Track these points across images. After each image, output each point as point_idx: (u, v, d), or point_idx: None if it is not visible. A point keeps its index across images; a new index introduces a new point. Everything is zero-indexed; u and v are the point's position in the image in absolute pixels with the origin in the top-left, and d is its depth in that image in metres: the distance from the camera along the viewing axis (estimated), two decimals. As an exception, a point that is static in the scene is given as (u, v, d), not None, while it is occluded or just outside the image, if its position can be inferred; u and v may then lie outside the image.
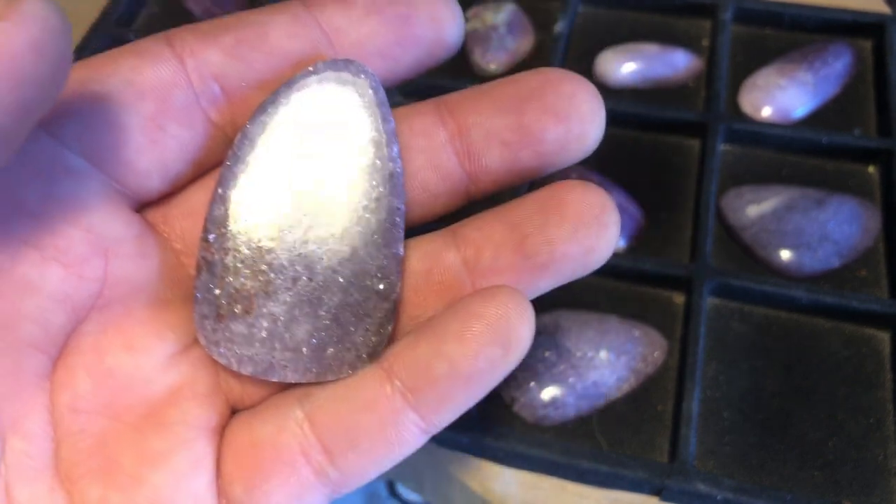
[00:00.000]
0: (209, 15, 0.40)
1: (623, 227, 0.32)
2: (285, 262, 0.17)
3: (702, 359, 0.28)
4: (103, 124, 0.16)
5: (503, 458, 0.26)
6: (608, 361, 0.28)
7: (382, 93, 0.17)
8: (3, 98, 0.13)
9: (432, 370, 0.16)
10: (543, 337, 0.29)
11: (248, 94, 0.17)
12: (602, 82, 0.37)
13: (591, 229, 0.17)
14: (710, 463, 0.27)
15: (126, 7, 0.40)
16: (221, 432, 0.17)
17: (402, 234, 0.17)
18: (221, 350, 0.17)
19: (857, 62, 0.37)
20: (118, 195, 0.17)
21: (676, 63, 0.37)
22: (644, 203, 0.33)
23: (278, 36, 0.17)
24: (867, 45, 0.38)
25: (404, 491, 0.34)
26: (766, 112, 0.35)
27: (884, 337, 0.29)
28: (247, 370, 0.17)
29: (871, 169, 0.34)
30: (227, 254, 0.17)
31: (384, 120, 0.17)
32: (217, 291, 0.17)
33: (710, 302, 0.30)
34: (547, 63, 0.37)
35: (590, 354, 0.28)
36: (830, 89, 0.36)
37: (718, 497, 0.25)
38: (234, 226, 0.17)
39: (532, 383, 0.28)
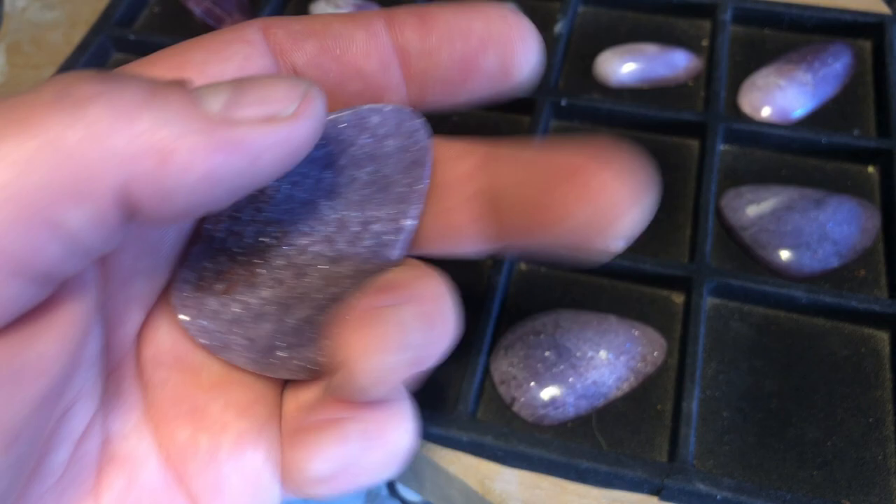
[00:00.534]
0: (210, 15, 0.40)
1: (623, 227, 0.32)
2: (280, 264, 0.17)
3: (701, 358, 0.28)
4: None
5: (503, 457, 0.26)
6: (608, 361, 0.28)
7: (431, 154, 0.18)
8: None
9: None
10: (543, 337, 0.29)
11: None
12: (602, 82, 0.37)
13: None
14: (710, 462, 0.27)
15: (126, 7, 0.40)
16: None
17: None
18: (187, 316, 0.18)
19: (857, 62, 0.37)
20: None
21: (676, 63, 0.37)
22: (644, 203, 0.33)
23: (356, 52, 0.18)
24: (867, 45, 0.38)
25: (405, 490, 0.34)
26: (766, 112, 0.35)
27: (883, 337, 0.29)
28: (203, 341, 0.18)
29: (870, 169, 0.34)
30: (231, 236, 0.18)
31: (417, 179, 0.18)
32: (207, 265, 0.18)
33: (709, 302, 0.30)
34: (547, 63, 0.37)
35: (589, 354, 0.28)
36: (830, 89, 0.36)
37: (718, 496, 0.25)
38: (247, 215, 0.17)
39: (532, 383, 0.28)
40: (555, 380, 0.28)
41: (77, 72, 0.14)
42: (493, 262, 0.30)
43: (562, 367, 0.28)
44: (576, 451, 0.26)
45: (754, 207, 0.32)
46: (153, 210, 0.14)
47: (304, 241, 0.18)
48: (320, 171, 0.18)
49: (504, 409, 0.28)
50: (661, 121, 0.35)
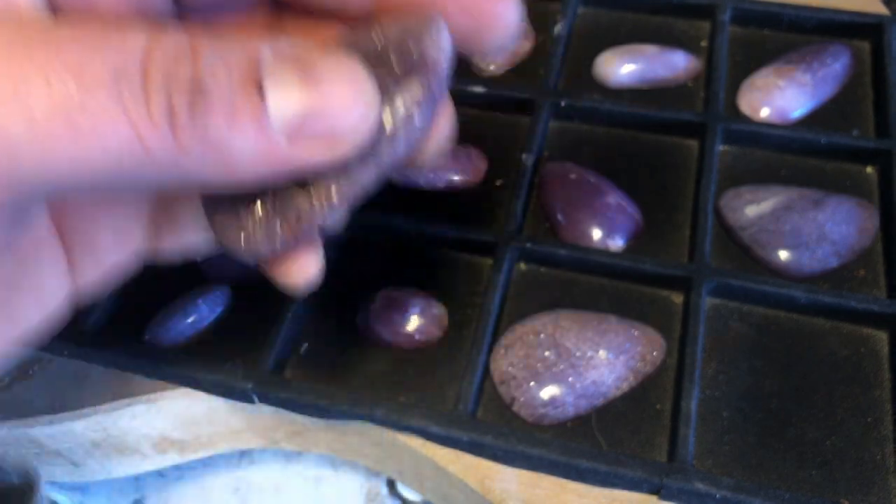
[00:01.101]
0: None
1: (622, 228, 0.32)
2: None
3: (700, 358, 0.28)
4: None
5: (503, 457, 0.27)
6: (607, 361, 0.28)
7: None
8: None
9: None
10: (543, 336, 0.29)
11: None
12: (601, 83, 0.37)
13: None
14: (709, 462, 0.27)
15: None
16: None
17: None
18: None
19: (856, 63, 0.37)
20: None
21: (675, 64, 0.37)
22: (643, 203, 0.33)
23: None
24: (865, 45, 0.38)
25: (405, 490, 0.34)
26: (765, 113, 0.35)
27: (882, 336, 0.29)
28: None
29: (869, 169, 0.34)
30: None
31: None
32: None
33: (708, 302, 0.30)
34: (546, 63, 0.37)
35: (589, 354, 0.28)
36: (829, 90, 0.36)
37: (717, 496, 0.25)
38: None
39: (531, 383, 0.28)
40: (554, 379, 0.28)
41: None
42: (494, 262, 0.31)
43: (561, 366, 0.28)
44: (575, 450, 0.26)
45: (753, 207, 0.32)
46: None
47: None
48: None
49: (504, 409, 0.28)
50: (661, 121, 0.35)
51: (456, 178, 0.34)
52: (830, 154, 0.34)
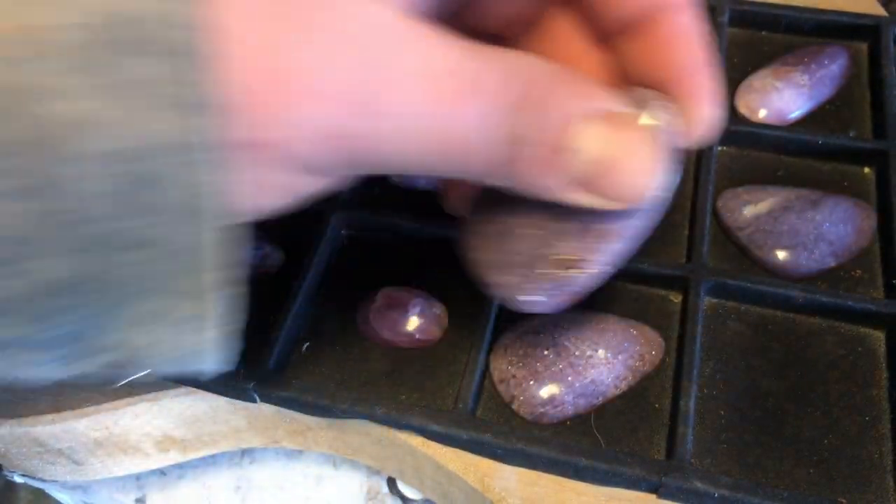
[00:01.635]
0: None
1: (621, 228, 0.32)
2: None
3: (699, 357, 0.28)
4: None
5: (502, 455, 0.27)
6: (606, 360, 0.28)
7: None
8: None
9: None
10: (542, 336, 0.29)
11: None
12: (600, 84, 0.37)
13: None
14: (707, 460, 0.27)
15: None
16: None
17: None
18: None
19: (853, 64, 0.37)
20: None
21: (674, 65, 0.37)
22: (642, 204, 0.33)
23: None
24: (862, 47, 0.38)
25: (405, 488, 0.34)
26: (763, 114, 0.35)
27: (879, 336, 0.29)
28: None
29: (866, 170, 0.34)
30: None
31: None
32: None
33: (706, 301, 0.30)
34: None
35: (588, 353, 0.28)
36: (826, 91, 0.36)
37: (715, 494, 0.25)
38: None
39: (531, 381, 0.28)
40: (554, 378, 0.28)
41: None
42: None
43: (560, 365, 0.28)
44: (574, 449, 0.26)
45: (751, 208, 0.32)
46: None
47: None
48: None
49: (503, 408, 0.28)
50: (659, 122, 0.35)
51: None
52: (828, 155, 0.34)
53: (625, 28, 0.22)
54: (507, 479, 0.27)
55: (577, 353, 0.28)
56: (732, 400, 0.28)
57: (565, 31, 0.23)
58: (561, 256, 0.20)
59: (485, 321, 0.29)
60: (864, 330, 0.30)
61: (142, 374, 0.18)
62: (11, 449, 0.31)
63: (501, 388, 0.28)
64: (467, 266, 0.22)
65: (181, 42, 0.14)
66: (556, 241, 0.21)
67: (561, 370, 0.28)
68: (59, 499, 0.37)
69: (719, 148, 0.35)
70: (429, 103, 0.17)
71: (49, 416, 0.29)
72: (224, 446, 0.32)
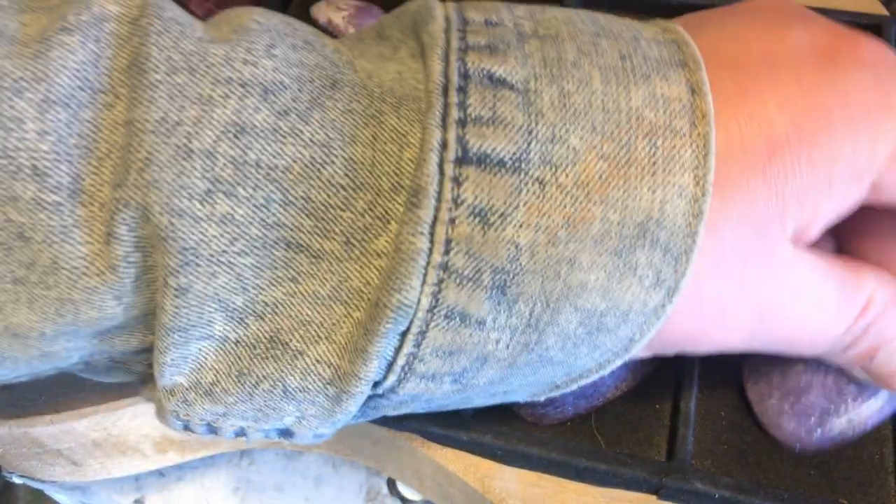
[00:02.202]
0: (211, 16, 0.40)
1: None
2: None
3: (699, 358, 0.28)
4: None
5: (503, 456, 0.27)
6: (606, 361, 0.28)
7: None
8: None
9: None
10: (542, 337, 0.29)
11: None
12: (601, 84, 0.37)
13: None
14: (708, 461, 0.27)
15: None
16: None
17: None
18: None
19: (854, 64, 0.37)
20: None
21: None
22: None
23: None
24: (864, 47, 0.38)
25: (405, 489, 0.34)
26: (764, 113, 0.35)
27: (880, 336, 0.29)
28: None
29: (867, 170, 0.34)
30: None
31: None
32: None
33: (707, 302, 0.30)
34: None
35: (588, 354, 0.28)
36: (827, 91, 0.36)
37: (716, 495, 0.25)
38: None
39: (531, 382, 0.28)
40: (554, 379, 0.28)
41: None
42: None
43: (561, 366, 0.28)
44: (575, 450, 0.26)
45: (752, 208, 0.32)
46: None
47: None
48: None
49: (503, 409, 0.28)
50: (660, 122, 0.35)
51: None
52: (829, 155, 0.34)
53: None
54: (508, 480, 0.26)
55: (577, 354, 0.28)
56: (733, 401, 0.28)
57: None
58: (850, 416, 0.25)
59: (485, 322, 0.29)
60: (865, 330, 0.30)
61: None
62: (10, 450, 0.31)
63: (501, 388, 0.28)
64: (751, 400, 0.27)
65: (680, 249, 0.19)
66: (851, 402, 0.25)
67: (561, 371, 0.28)
68: (57, 499, 0.37)
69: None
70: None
71: (48, 417, 0.29)
72: (223, 447, 0.32)
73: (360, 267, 0.19)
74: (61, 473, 0.32)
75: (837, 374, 0.25)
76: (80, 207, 0.18)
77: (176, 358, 0.19)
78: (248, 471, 0.36)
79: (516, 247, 0.18)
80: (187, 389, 0.20)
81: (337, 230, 0.19)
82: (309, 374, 0.19)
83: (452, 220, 0.18)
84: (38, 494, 0.39)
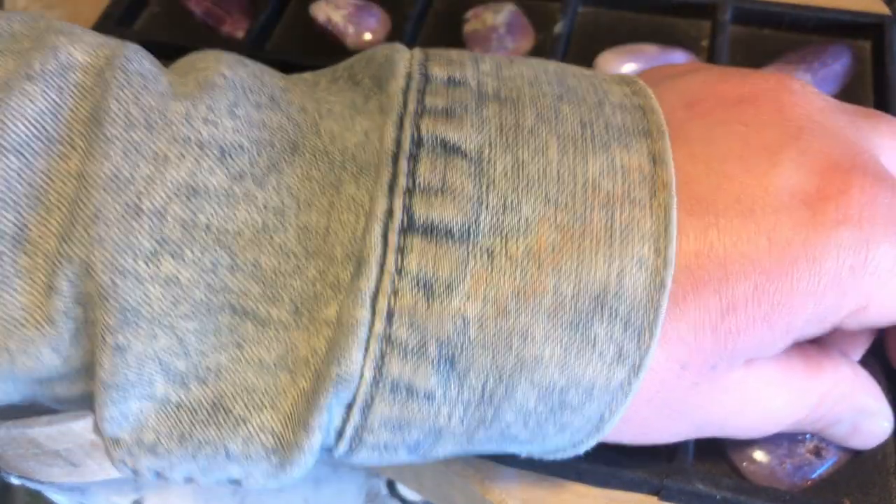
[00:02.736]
0: (210, 15, 0.40)
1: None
2: None
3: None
4: None
5: (503, 457, 0.27)
6: (607, 361, 0.28)
7: None
8: None
9: None
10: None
11: None
12: (601, 83, 0.37)
13: None
14: (708, 463, 0.27)
15: (127, 7, 0.40)
16: None
17: None
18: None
19: (856, 63, 0.37)
20: None
21: (676, 63, 0.37)
22: (643, 203, 0.33)
23: None
24: (866, 45, 0.38)
25: (405, 490, 0.34)
26: (765, 113, 0.35)
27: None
28: None
29: (869, 169, 0.34)
30: None
31: None
32: None
33: (709, 302, 0.30)
34: (546, 64, 0.37)
35: (589, 354, 0.28)
36: (829, 90, 0.36)
37: (717, 496, 0.25)
38: None
39: (531, 383, 0.28)
40: (554, 380, 0.28)
41: None
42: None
43: (561, 367, 0.28)
44: (575, 451, 0.26)
45: (754, 208, 0.32)
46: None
47: None
48: None
49: (504, 410, 0.28)
50: (661, 121, 0.35)
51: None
52: (831, 154, 0.34)
53: None
54: (508, 481, 0.26)
55: (577, 355, 0.28)
56: (735, 401, 0.28)
57: None
58: (815, 444, 0.26)
59: (485, 322, 0.29)
60: (867, 331, 0.29)
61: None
62: (7, 450, 0.31)
63: (501, 389, 0.28)
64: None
65: (642, 324, 0.18)
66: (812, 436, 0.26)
67: (562, 371, 0.28)
68: (56, 500, 0.37)
69: (721, 147, 0.35)
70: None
71: (45, 418, 0.29)
72: (222, 447, 0.32)
73: (308, 335, 0.18)
74: (59, 474, 0.32)
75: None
76: (22, 257, 0.17)
77: (115, 415, 0.19)
78: (247, 471, 0.35)
79: (464, 319, 0.17)
80: (130, 444, 0.19)
81: (286, 297, 0.18)
82: (251, 442, 0.19)
83: (395, 292, 0.17)
84: (37, 495, 0.39)
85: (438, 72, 0.20)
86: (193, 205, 0.17)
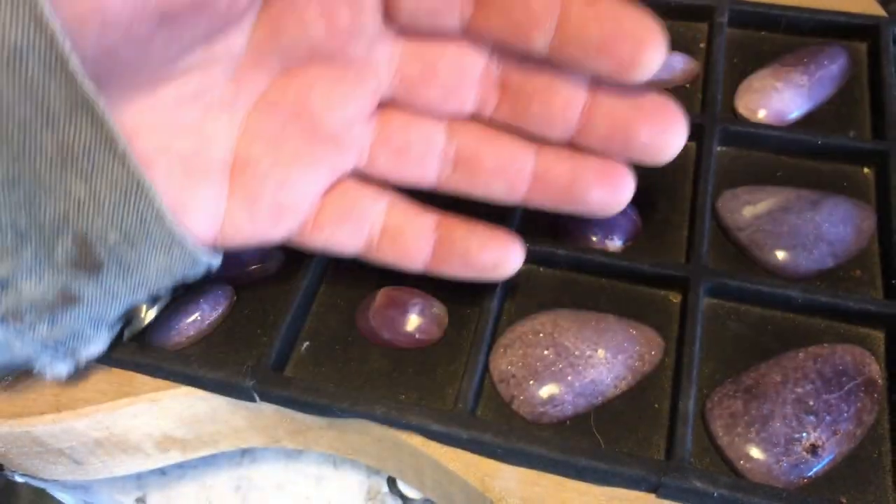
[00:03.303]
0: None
1: (620, 228, 0.32)
2: None
3: (698, 357, 0.28)
4: None
5: (502, 455, 0.27)
6: (606, 360, 0.28)
7: None
8: None
9: None
10: (542, 336, 0.29)
11: None
12: (600, 84, 0.37)
13: None
14: (707, 460, 0.27)
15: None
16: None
17: None
18: None
19: (852, 65, 0.37)
20: None
21: (673, 65, 0.37)
22: (640, 204, 0.33)
23: None
24: (862, 47, 0.38)
25: (405, 488, 0.34)
26: (762, 114, 0.35)
27: (878, 336, 0.29)
28: None
29: (865, 170, 0.34)
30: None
31: None
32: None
33: (706, 302, 0.30)
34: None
35: (588, 353, 0.28)
36: (825, 92, 0.36)
37: (714, 494, 0.25)
38: None
39: (531, 381, 0.28)
40: (553, 378, 0.28)
41: None
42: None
43: (560, 365, 0.28)
44: (574, 448, 0.26)
45: (750, 208, 0.32)
46: None
47: None
48: None
49: (503, 407, 0.28)
50: (659, 122, 0.35)
51: (456, 178, 0.34)
52: (827, 155, 0.34)
53: None
54: (508, 478, 0.27)
55: (576, 353, 0.28)
56: (732, 400, 0.28)
57: None
58: (812, 442, 0.26)
59: (485, 321, 0.29)
60: (863, 330, 0.30)
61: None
62: (12, 448, 0.31)
63: (501, 387, 0.28)
64: (712, 430, 0.27)
65: None
66: (810, 429, 0.26)
67: (561, 370, 0.28)
68: (60, 498, 0.38)
69: (719, 148, 0.35)
70: None
71: (49, 416, 0.29)
72: (224, 446, 0.33)
73: None
74: (63, 472, 0.33)
75: (803, 405, 0.27)
76: None
77: None
78: (249, 469, 0.36)
79: None
80: None
81: None
82: None
83: None
84: (41, 493, 0.39)
85: None
86: None
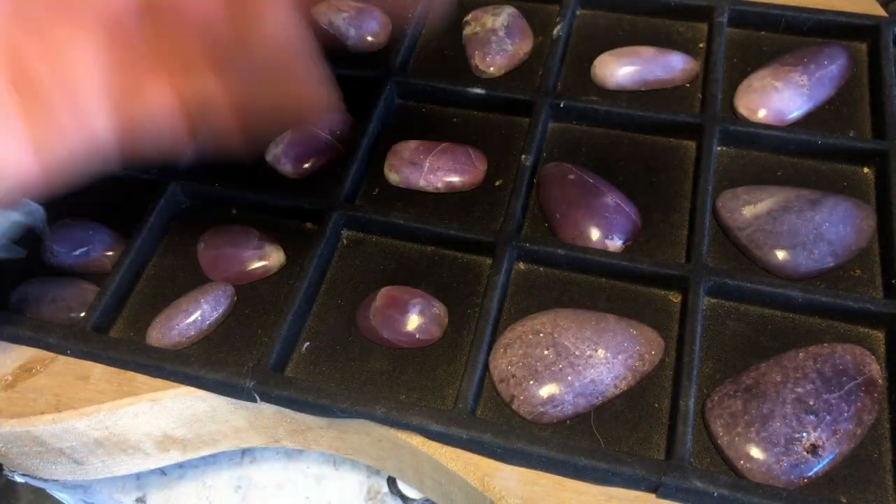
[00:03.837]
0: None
1: (620, 228, 0.32)
2: None
3: (698, 357, 0.28)
4: None
5: (502, 454, 0.27)
6: (606, 360, 0.28)
7: None
8: None
9: None
10: (542, 335, 0.29)
11: None
12: (600, 85, 0.37)
13: None
14: (706, 460, 0.27)
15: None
16: None
17: None
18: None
19: (852, 64, 0.37)
20: None
21: (673, 65, 0.37)
22: (641, 204, 0.33)
23: None
24: (862, 47, 0.38)
25: (405, 488, 0.34)
26: (762, 114, 0.35)
27: (878, 336, 0.30)
28: None
29: (865, 170, 0.34)
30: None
31: None
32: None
33: (706, 301, 0.30)
34: (545, 65, 0.37)
35: (588, 353, 0.28)
36: (825, 91, 0.36)
37: (714, 493, 0.25)
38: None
39: (531, 381, 0.28)
40: (553, 378, 0.28)
41: None
42: (493, 262, 0.31)
43: (560, 365, 0.28)
44: (574, 448, 0.26)
45: (750, 208, 0.32)
46: None
47: None
48: None
49: (503, 407, 0.28)
50: (659, 123, 0.35)
51: (455, 178, 0.34)
52: (827, 155, 0.34)
53: None
54: (507, 478, 0.27)
55: (576, 353, 0.28)
56: (732, 399, 0.28)
57: None
58: (812, 442, 0.26)
59: (485, 321, 0.29)
60: (863, 330, 0.30)
61: None
62: (12, 448, 0.31)
63: (501, 387, 0.28)
64: (712, 429, 0.27)
65: None
66: (811, 429, 0.26)
67: (561, 370, 0.28)
68: (60, 498, 0.38)
69: (718, 148, 0.35)
70: None
71: (49, 416, 0.29)
72: (224, 446, 0.33)
73: None
74: (63, 472, 0.33)
75: (803, 406, 0.27)
76: None
77: None
78: (249, 469, 0.36)
79: None
80: None
81: None
82: None
83: None
84: (41, 493, 0.39)
85: None
86: None
